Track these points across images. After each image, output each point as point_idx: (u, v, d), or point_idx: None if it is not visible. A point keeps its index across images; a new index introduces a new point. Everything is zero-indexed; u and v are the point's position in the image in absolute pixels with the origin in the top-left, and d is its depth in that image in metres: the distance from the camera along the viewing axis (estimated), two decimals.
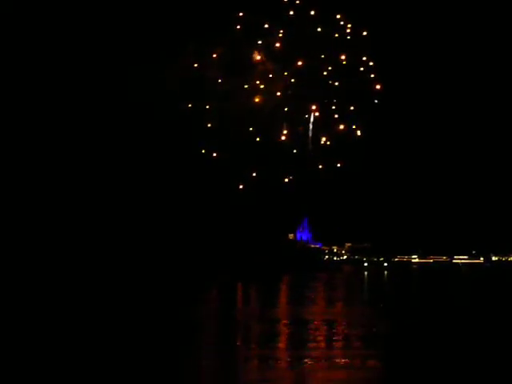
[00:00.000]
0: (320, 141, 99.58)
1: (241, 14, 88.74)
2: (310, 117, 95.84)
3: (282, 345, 28.60)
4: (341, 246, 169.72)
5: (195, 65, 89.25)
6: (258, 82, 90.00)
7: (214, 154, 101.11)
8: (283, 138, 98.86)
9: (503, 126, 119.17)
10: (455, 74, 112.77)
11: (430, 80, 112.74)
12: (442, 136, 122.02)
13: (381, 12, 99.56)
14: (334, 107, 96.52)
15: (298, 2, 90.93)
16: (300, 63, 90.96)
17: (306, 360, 23.76)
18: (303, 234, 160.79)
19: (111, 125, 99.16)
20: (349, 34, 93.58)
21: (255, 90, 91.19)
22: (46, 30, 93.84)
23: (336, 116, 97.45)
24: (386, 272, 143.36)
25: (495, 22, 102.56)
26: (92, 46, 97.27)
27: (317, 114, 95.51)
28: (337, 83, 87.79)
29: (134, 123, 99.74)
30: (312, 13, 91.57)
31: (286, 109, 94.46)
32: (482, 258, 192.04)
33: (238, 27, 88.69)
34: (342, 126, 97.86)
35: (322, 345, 28.24)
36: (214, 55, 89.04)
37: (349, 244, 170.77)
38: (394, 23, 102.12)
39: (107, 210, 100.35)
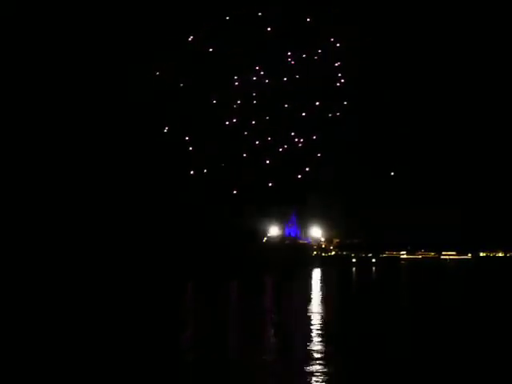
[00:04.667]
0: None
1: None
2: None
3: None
4: (329, 241, 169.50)
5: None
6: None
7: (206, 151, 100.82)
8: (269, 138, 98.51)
9: (495, 126, 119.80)
10: (451, 73, 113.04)
11: (418, 77, 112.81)
12: (432, 132, 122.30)
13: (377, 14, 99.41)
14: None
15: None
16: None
17: None
18: (292, 230, 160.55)
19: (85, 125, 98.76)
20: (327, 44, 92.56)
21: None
22: (33, 30, 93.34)
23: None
24: (373, 268, 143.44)
25: (494, 23, 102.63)
26: (82, 45, 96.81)
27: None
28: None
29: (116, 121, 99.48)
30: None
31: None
32: (469, 254, 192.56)
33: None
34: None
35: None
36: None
37: (337, 240, 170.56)
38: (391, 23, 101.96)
39: (82, 208, 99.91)
